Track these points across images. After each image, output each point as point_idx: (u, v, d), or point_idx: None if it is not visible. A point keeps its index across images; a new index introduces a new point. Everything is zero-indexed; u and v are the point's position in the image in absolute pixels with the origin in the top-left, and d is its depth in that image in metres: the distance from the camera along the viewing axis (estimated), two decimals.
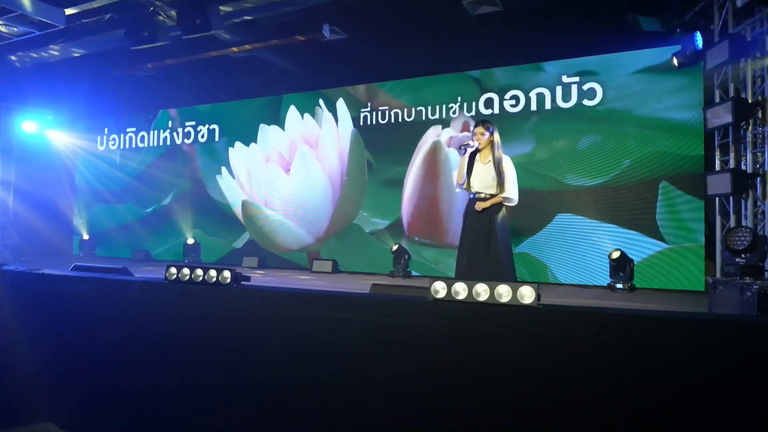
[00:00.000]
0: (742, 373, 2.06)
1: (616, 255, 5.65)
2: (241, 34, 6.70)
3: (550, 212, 6.24)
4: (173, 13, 6.01)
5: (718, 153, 4.57)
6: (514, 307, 2.39)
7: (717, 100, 4.60)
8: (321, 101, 7.77)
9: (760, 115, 4.14)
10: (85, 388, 3.29)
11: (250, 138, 8.34)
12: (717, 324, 2.21)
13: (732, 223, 4.43)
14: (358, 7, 6.17)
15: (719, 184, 4.25)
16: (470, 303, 2.47)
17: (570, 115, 6.26)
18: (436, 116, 7.04)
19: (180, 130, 9.09)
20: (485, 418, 2.38)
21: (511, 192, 3.48)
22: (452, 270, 6.79)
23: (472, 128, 3.56)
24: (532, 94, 6.46)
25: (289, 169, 7.94)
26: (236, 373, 2.70)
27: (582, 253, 6.12)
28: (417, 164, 7.12)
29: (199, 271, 3.05)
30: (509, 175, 3.47)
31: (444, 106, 6.98)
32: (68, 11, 6.03)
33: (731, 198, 4.41)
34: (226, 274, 2.97)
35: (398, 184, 7.25)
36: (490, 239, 3.38)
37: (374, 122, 7.44)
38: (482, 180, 3.46)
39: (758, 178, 4.22)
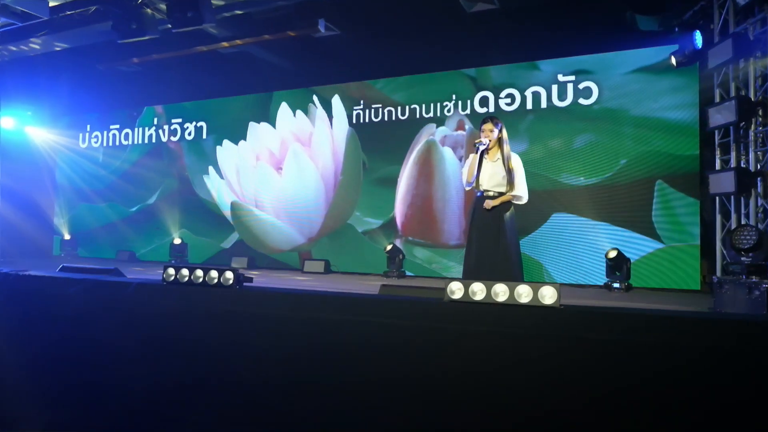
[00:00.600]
0: (762, 373, 2.02)
1: (612, 254, 5.63)
2: (232, 29, 6.54)
3: (545, 212, 6.20)
4: (162, 6, 5.82)
5: (718, 152, 4.56)
6: (534, 308, 2.31)
7: (717, 99, 4.60)
8: (315, 98, 7.62)
9: (761, 113, 4.14)
10: (76, 395, 3.12)
11: (238, 136, 8.16)
12: (741, 325, 2.16)
13: (733, 221, 4.43)
14: (351, 2, 6.07)
15: (722, 182, 4.24)
16: (489, 304, 2.38)
17: (566, 114, 6.23)
18: (431, 114, 6.96)
19: (166, 127, 8.87)
20: (505, 423, 2.30)
21: (521, 190, 3.41)
22: (447, 270, 6.78)
23: (479, 125, 3.48)
24: (528, 93, 6.42)
25: (281, 168, 7.78)
26: (241, 379, 2.58)
27: (578, 253, 6.10)
28: (411, 163, 7.04)
29: (199, 272, 2.91)
30: (518, 172, 3.40)
31: (439, 105, 6.90)
32: (52, 2, 5.82)
33: (732, 197, 4.41)
34: (228, 274, 2.84)
35: (392, 183, 7.15)
36: (499, 238, 3.30)
37: (367, 120, 7.33)
38: (491, 178, 3.38)
39: (758, 177, 4.22)
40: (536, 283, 2.33)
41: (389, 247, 6.75)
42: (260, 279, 5.95)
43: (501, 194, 3.41)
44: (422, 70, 7.03)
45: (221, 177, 8.27)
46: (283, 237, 7.79)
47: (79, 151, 9.59)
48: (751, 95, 4.23)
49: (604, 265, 5.78)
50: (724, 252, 4.50)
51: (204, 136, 8.54)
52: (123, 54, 7.61)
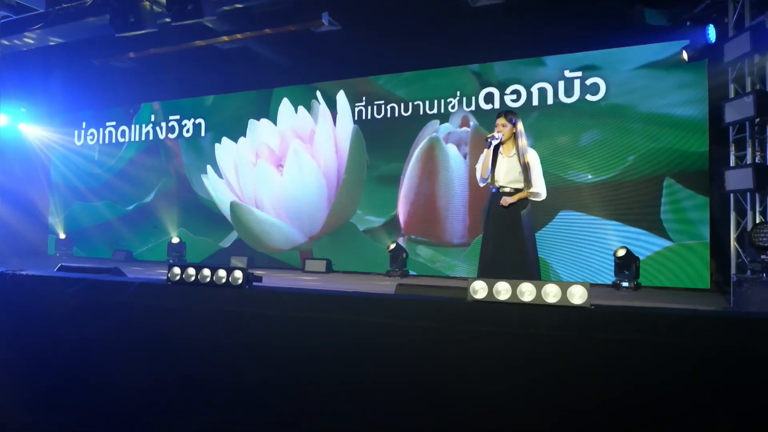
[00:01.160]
0: None
1: (621, 253, 5.54)
2: (231, 23, 6.40)
3: (552, 209, 6.10)
4: None
5: (733, 148, 4.48)
6: (563, 308, 2.20)
7: (732, 94, 4.52)
8: (319, 95, 7.47)
9: None
10: (76, 398, 2.99)
11: (238, 133, 8.01)
12: None
13: (749, 219, 4.35)
14: None
15: (740, 179, 4.15)
16: (514, 304, 2.27)
17: (572, 111, 6.14)
18: (434, 111, 6.84)
19: (163, 124, 8.71)
20: (533, 428, 2.19)
21: (539, 186, 3.30)
22: (451, 268, 6.67)
23: (495, 120, 3.37)
24: (534, 89, 6.32)
25: (281, 165, 7.64)
26: (255, 385, 2.45)
27: (585, 251, 6.01)
28: (414, 160, 6.92)
29: (207, 271, 2.78)
30: (535, 168, 3.29)
31: (442, 101, 6.79)
32: None
33: (748, 194, 4.33)
34: (238, 274, 2.71)
35: (394, 180, 7.04)
36: (516, 235, 3.20)
37: (370, 117, 7.21)
38: (507, 174, 3.28)
39: None
40: (565, 282, 2.23)
41: (392, 246, 6.64)
42: (264, 279, 5.82)
43: (518, 191, 3.30)
44: (425, 65, 6.91)
45: (220, 176, 8.11)
46: (283, 236, 7.66)
47: (74, 149, 9.42)
48: None
49: (612, 263, 5.70)
50: (739, 250, 4.41)
51: (202, 134, 8.39)
52: (119, 49, 7.46)
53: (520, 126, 3.37)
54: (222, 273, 2.75)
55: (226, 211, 8.06)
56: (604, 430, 2.10)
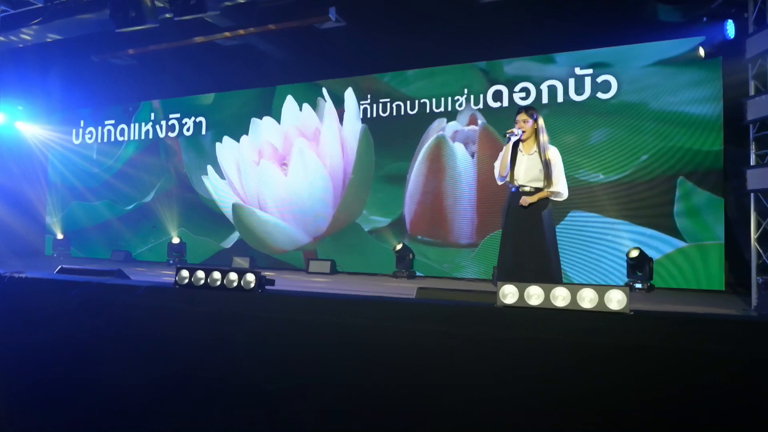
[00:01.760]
0: None
1: (634, 254, 5.43)
2: (234, 18, 6.25)
3: (562, 210, 5.97)
4: None
5: (753, 146, 4.37)
6: (600, 314, 2.07)
7: (752, 91, 4.41)
8: (325, 92, 7.31)
9: None
10: (80, 406, 2.84)
11: (239, 132, 7.86)
12: None
13: None
14: None
15: (762, 178, 4.04)
16: (547, 309, 2.15)
17: (583, 109, 6.02)
18: (441, 109, 6.72)
19: (163, 122, 8.56)
20: None
21: (561, 185, 3.18)
22: (458, 269, 6.55)
23: (514, 116, 3.24)
24: (543, 87, 6.20)
25: (284, 164, 7.50)
26: (271, 394, 2.32)
27: (596, 252, 5.90)
28: (420, 159, 6.79)
29: (217, 275, 2.65)
30: (557, 166, 3.17)
31: (450, 99, 6.66)
32: None
33: None
34: (250, 277, 2.58)
35: (400, 180, 6.91)
36: (536, 236, 3.07)
37: (375, 115, 7.07)
38: (528, 172, 3.15)
39: None
40: (602, 286, 2.10)
41: (399, 247, 6.51)
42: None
43: (538, 190, 3.17)
44: (432, 63, 6.79)
45: (221, 177, 7.95)
46: (286, 237, 7.52)
47: (72, 148, 9.26)
48: None
49: (625, 264, 5.59)
50: (760, 251, 4.30)
51: (203, 132, 8.24)
52: (118, 46, 7.31)
53: (541, 122, 3.25)
54: (233, 276, 2.61)
55: (227, 212, 7.91)
56: None
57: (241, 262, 7.36)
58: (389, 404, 2.14)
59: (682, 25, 5.32)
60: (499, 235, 6.29)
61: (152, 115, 8.68)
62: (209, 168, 8.03)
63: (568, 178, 5.84)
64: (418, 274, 6.63)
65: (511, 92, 6.36)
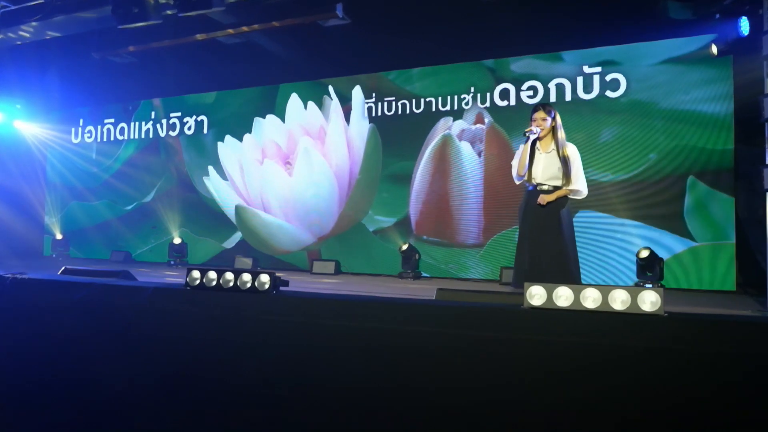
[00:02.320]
0: None
1: (644, 254, 5.36)
2: (238, 15, 6.16)
3: (571, 209, 5.88)
4: None
5: None
6: (633, 316, 2.00)
7: None
8: (331, 90, 7.22)
9: None
10: (87, 412, 2.75)
11: (241, 131, 7.76)
12: None
13: None
14: None
15: None
16: (576, 311, 2.07)
17: (591, 107, 5.95)
18: (447, 107, 6.63)
19: (164, 121, 8.45)
20: None
21: (580, 183, 3.11)
22: (464, 270, 6.47)
23: (530, 113, 3.17)
24: (551, 85, 6.12)
25: (288, 163, 7.40)
26: (282, 399, 2.23)
27: (604, 252, 5.82)
28: (426, 158, 6.71)
29: (229, 275, 2.57)
30: (575, 163, 3.10)
31: (456, 97, 6.58)
32: None
33: None
34: (264, 278, 2.50)
35: (405, 179, 6.82)
36: (555, 236, 3.00)
37: (380, 113, 6.99)
38: (546, 170, 3.08)
39: None
40: (634, 287, 2.02)
41: (405, 247, 6.42)
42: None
43: (556, 188, 3.10)
44: (438, 61, 6.70)
45: (223, 178, 7.84)
46: (290, 238, 7.42)
47: (71, 147, 9.14)
48: None
49: (634, 264, 5.52)
50: None
51: (205, 131, 8.14)
52: (119, 43, 7.21)
53: (559, 119, 3.17)
54: (246, 277, 2.53)
55: (230, 213, 7.81)
56: None
57: (245, 261, 7.25)
58: (417, 407, 2.06)
59: (693, 22, 5.26)
60: (505, 235, 6.29)
61: (152, 113, 8.57)
62: (210, 169, 7.92)
63: None
64: (424, 274, 6.55)
65: (518, 90, 6.28)
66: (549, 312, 2.09)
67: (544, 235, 3.03)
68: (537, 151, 3.14)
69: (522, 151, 3.11)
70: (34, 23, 6.43)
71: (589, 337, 2.03)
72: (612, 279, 5.75)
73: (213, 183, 7.92)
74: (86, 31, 6.90)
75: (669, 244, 5.56)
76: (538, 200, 3.06)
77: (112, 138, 8.86)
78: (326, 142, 7.17)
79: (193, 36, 6.73)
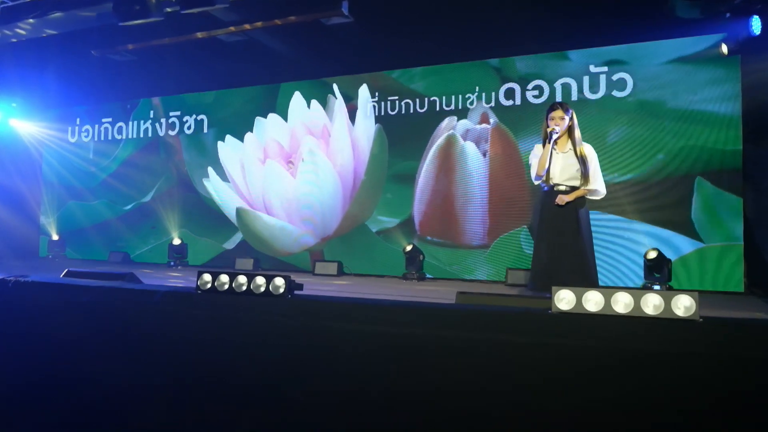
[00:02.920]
0: None
1: (652, 255, 5.30)
2: (240, 12, 6.06)
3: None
4: None
5: None
6: (666, 321, 1.93)
7: None
8: (336, 88, 7.12)
9: None
10: (92, 420, 2.66)
11: (242, 130, 7.66)
12: None
13: None
14: None
15: None
16: (607, 316, 2.00)
17: (598, 107, 5.90)
18: (452, 107, 6.57)
19: (163, 120, 8.34)
20: None
21: (598, 183, 3.05)
22: (469, 272, 6.40)
23: (546, 112, 3.10)
24: (557, 85, 6.07)
25: (290, 162, 7.31)
26: (301, 409, 2.15)
27: (611, 253, 5.77)
28: (430, 158, 6.64)
29: (242, 279, 2.48)
30: (593, 163, 3.04)
31: (460, 96, 6.52)
32: None
33: None
34: (279, 281, 2.42)
35: (409, 179, 6.75)
36: (573, 237, 2.94)
37: (383, 113, 6.91)
38: (564, 171, 3.02)
39: None
40: (668, 291, 1.96)
41: (409, 248, 6.35)
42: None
43: (573, 188, 3.03)
44: (442, 60, 6.63)
45: (222, 179, 7.74)
46: (293, 240, 7.33)
47: (68, 146, 9.01)
48: None
49: (641, 265, 5.47)
50: None
51: (205, 130, 8.04)
52: (118, 41, 7.09)
53: (575, 119, 3.11)
54: (260, 281, 2.45)
55: (231, 215, 7.71)
56: None
57: (246, 263, 7.15)
58: (445, 410, 1.99)
59: (702, 21, 5.21)
60: (511, 236, 6.22)
61: (151, 112, 8.46)
62: (210, 170, 7.82)
63: None
64: (428, 276, 6.48)
65: (524, 90, 6.22)
66: (578, 317, 2.03)
67: (563, 235, 2.97)
68: (553, 151, 3.08)
69: (543, 150, 3.05)
70: (31, 20, 6.31)
71: (620, 343, 1.97)
72: (619, 280, 5.70)
73: (213, 185, 7.82)
74: (84, 28, 6.77)
75: (677, 245, 5.52)
76: (557, 200, 3.00)
77: (109, 137, 8.74)
78: (330, 142, 7.09)
79: (193, 34, 6.62)
